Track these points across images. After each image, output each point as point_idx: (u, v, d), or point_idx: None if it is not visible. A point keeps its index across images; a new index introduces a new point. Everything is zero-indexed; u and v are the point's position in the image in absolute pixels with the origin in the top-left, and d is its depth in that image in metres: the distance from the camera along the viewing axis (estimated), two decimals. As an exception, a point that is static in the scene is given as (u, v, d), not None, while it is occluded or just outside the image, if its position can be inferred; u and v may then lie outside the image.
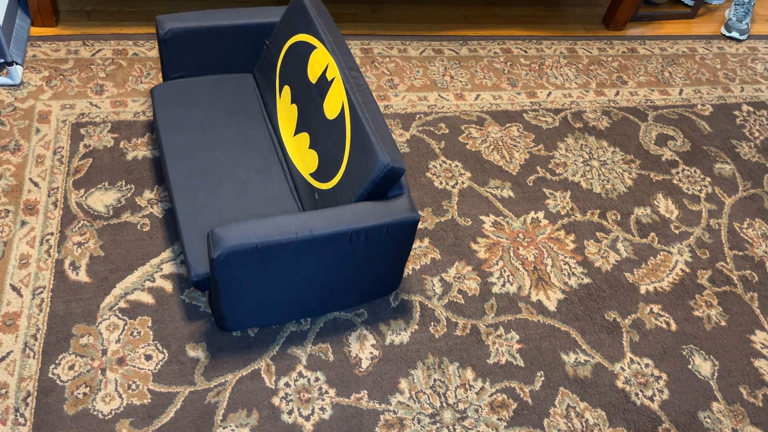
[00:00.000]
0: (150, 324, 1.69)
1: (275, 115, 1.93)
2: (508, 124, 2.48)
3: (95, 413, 1.52)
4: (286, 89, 1.87)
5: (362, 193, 1.58)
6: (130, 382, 1.58)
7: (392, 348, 1.76)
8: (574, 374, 1.79)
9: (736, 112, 2.80)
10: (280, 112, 1.91)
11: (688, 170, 2.48)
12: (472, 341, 1.81)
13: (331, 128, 1.70)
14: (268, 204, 1.73)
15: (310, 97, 1.78)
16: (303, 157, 1.80)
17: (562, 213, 2.21)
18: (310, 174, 1.76)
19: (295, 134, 1.84)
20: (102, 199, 1.93)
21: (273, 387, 1.63)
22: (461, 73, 2.67)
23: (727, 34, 3.25)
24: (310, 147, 1.77)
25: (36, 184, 1.93)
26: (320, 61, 1.76)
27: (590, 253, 2.10)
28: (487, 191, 2.22)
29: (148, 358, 1.64)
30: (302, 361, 1.69)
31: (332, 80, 1.71)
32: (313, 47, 1.78)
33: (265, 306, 1.65)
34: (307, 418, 1.59)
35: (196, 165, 1.78)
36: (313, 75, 1.78)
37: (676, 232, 2.24)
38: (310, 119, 1.78)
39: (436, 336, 1.81)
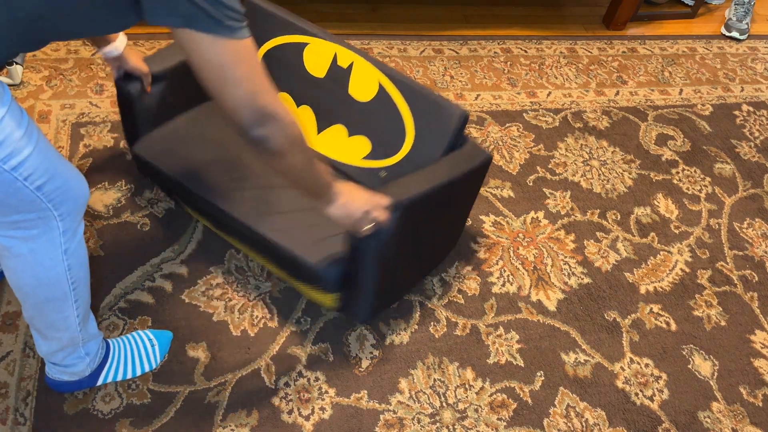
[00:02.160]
0: (150, 324, 1.69)
1: None
2: (508, 124, 2.48)
3: (95, 413, 1.52)
4: (283, 96, 1.86)
5: (448, 145, 1.69)
6: (130, 382, 1.58)
7: (392, 348, 1.76)
8: (574, 374, 1.79)
9: (736, 112, 2.80)
10: None
11: (688, 170, 2.48)
12: (472, 341, 1.81)
13: (372, 108, 1.75)
14: None
15: (324, 91, 1.78)
16: (344, 147, 1.81)
17: (562, 213, 2.21)
18: (364, 158, 1.79)
19: (319, 132, 1.84)
20: (102, 199, 1.93)
21: (273, 387, 1.63)
22: (461, 73, 2.67)
23: (727, 33, 3.26)
24: (351, 135, 1.80)
25: (36, 184, 1.93)
26: (322, 54, 1.75)
27: (590, 253, 2.10)
28: (487, 191, 2.22)
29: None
30: (302, 361, 1.69)
31: (350, 66, 1.72)
32: (303, 44, 1.77)
33: (391, 282, 1.71)
34: (307, 418, 1.59)
35: (242, 192, 1.69)
36: (317, 70, 1.77)
37: (676, 232, 2.24)
38: (337, 111, 1.79)
39: (436, 336, 1.81)
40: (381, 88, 1.72)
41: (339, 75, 1.76)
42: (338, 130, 1.81)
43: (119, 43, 1.58)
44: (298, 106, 1.85)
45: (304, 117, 1.85)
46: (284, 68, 1.83)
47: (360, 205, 1.34)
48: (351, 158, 1.81)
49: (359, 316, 1.73)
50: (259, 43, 1.83)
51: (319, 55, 1.76)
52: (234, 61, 1.01)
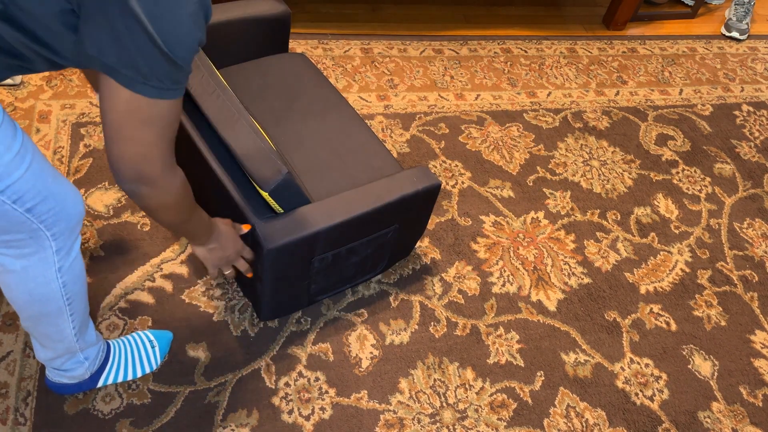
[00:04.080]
0: (150, 324, 1.69)
1: None
2: (508, 124, 2.48)
3: (95, 413, 1.52)
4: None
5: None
6: (131, 382, 1.58)
7: (392, 348, 1.76)
8: (574, 374, 1.79)
9: (736, 112, 2.80)
10: None
11: (688, 170, 2.48)
12: (472, 341, 1.81)
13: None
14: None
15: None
16: None
17: (562, 213, 2.21)
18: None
19: None
20: (102, 199, 1.93)
21: (273, 387, 1.63)
22: (461, 73, 2.67)
23: (727, 34, 3.26)
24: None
25: (36, 184, 1.93)
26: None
27: (590, 253, 2.10)
28: (487, 191, 2.22)
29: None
30: (302, 360, 1.69)
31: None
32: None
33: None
34: (307, 418, 1.59)
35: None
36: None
37: (676, 232, 2.24)
38: None
39: (436, 336, 1.81)
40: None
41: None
42: None
43: None
44: None
45: None
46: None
47: (224, 256, 1.42)
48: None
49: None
50: None
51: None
52: (138, 120, 0.97)
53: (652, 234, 2.21)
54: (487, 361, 1.78)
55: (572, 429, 1.69)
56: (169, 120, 1.01)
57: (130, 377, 1.57)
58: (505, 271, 2.00)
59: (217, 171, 1.53)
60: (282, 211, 1.49)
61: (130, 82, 0.93)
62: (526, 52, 2.87)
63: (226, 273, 1.48)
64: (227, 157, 1.57)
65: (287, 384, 1.64)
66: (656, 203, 2.32)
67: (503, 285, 1.96)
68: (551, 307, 1.94)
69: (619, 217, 2.24)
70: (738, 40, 3.25)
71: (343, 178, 1.70)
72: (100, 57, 0.91)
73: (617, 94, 2.75)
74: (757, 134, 2.72)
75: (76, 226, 1.21)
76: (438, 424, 1.63)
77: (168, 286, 1.78)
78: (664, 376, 1.84)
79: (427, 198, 1.71)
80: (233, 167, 1.56)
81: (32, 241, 1.15)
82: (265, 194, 1.43)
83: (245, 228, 1.46)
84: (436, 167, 2.26)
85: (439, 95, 2.54)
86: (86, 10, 0.89)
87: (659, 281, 2.07)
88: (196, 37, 0.93)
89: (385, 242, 1.73)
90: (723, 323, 2.00)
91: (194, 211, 1.25)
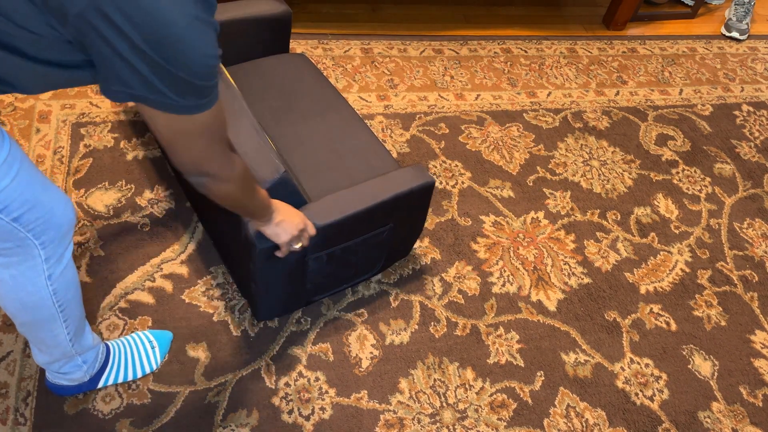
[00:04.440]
0: (150, 324, 1.69)
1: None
2: (508, 124, 2.48)
3: (95, 413, 1.52)
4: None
5: None
6: (131, 382, 1.58)
7: (392, 348, 1.76)
8: (574, 374, 1.79)
9: (736, 112, 2.80)
10: None
11: (688, 170, 2.48)
12: (472, 341, 1.81)
13: None
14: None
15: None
16: None
17: (562, 213, 2.21)
18: None
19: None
20: (102, 199, 1.93)
21: (273, 387, 1.63)
22: (461, 73, 2.67)
23: (727, 34, 3.26)
24: None
25: (36, 184, 1.93)
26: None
27: (590, 253, 2.10)
28: (487, 191, 2.22)
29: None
30: (302, 361, 1.69)
31: None
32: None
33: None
34: (307, 418, 1.59)
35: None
36: None
37: (676, 232, 2.24)
38: None
39: (436, 336, 1.81)
40: None
41: None
42: None
43: None
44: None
45: None
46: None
47: (292, 228, 1.42)
48: None
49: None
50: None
51: None
52: (183, 136, 1.00)
53: (652, 234, 2.21)
54: (487, 361, 1.78)
55: (572, 429, 1.69)
56: (214, 126, 1.02)
57: (130, 378, 1.57)
58: (505, 271, 2.00)
59: None
60: None
61: (163, 106, 0.93)
62: (526, 52, 2.87)
63: (297, 247, 1.46)
64: None
65: (287, 384, 1.64)
66: (656, 203, 2.32)
67: (503, 285, 1.96)
68: (551, 307, 1.94)
69: (619, 217, 2.24)
70: (738, 40, 3.25)
71: (342, 178, 1.70)
72: (126, 89, 0.91)
73: (617, 94, 2.75)
74: (757, 134, 2.72)
75: (66, 235, 1.20)
76: (438, 424, 1.63)
77: (168, 286, 1.77)
78: (664, 376, 1.84)
79: (422, 196, 1.71)
80: None
81: (20, 250, 1.14)
82: None
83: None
84: (436, 167, 2.26)
85: (439, 95, 2.54)
86: (96, 49, 0.88)
87: (659, 281, 2.07)
88: (211, 57, 0.92)
89: (381, 242, 1.73)
90: (723, 323, 2.00)
91: (257, 191, 1.27)
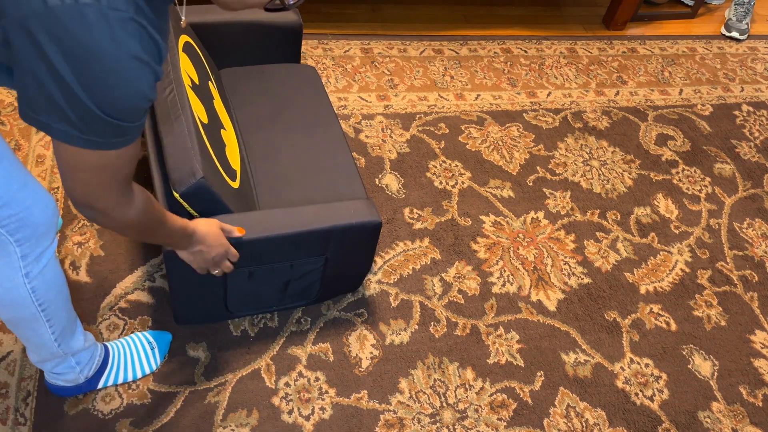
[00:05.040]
0: (150, 324, 1.69)
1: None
2: (508, 124, 2.48)
3: (95, 413, 1.52)
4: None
5: None
6: (130, 382, 1.58)
7: (392, 348, 1.76)
8: (574, 374, 1.79)
9: (736, 112, 2.80)
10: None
11: (688, 170, 2.48)
12: (472, 341, 1.81)
13: None
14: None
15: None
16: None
17: (562, 213, 2.21)
18: None
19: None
20: (102, 199, 1.93)
21: (273, 387, 1.63)
22: (461, 73, 2.67)
23: (727, 34, 3.26)
24: None
25: (36, 184, 1.93)
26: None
27: (590, 253, 2.10)
28: (487, 191, 2.22)
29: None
30: (302, 361, 1.69)
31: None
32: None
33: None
34: (307, 418, 1.59)
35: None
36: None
37: (676, 232, 2.24)
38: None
39: (436, 336, 1.81)
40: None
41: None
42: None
43: None
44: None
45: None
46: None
47: (208, 257, 1.36)
48: None
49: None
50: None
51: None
52: (84, 169, 0.93)
53: (652, 234, 2.21)
54: (487, 361, 1.78)
55: (572, 429, 1.69)
56: (119, 163, 0.96)
57: (129, 378, 1.57)
58: (505, 271, 2.00)
59: (153, 166, 1.52)
60: (196, 215, 1.42)
61: (67, 137, 0.87)
62: (526, 52, 2.87)
63: (215, 273, 1.44)
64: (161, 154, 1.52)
65: (287, 384, 1.64)
66: (656, 203, 2.32)
67: (503, 285, 1.96)
68: (551, 307, 1.94)
69: (619, 217, 2.24)
70: (738, 40, 3.25)
71: (297, 196, 1.65)
72: (32, 113, 0.85)
73: (617, 94, 2.75)
74: (757, 134, 2.72)
75: (46, 234, 1.19)
76: (438, 424, 1.63)
77: (168, 286, 1.77)
78: (664, 376, 1.84)
79: (365, 235, 1.60)
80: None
81: None
82: (176, 195, 1.36)
83: (239, 232, 1.42)
84: (436, 167, 2.26)
85: (439, 95, 2.54)
86: (16, 63, 0.83)
87: (659, 281, 2.08)
88: (142, 98, 0.87)
89: (314, 271, 1.65)
90: (723, 323, 2.00)
91: (162, 226, 1.18)
